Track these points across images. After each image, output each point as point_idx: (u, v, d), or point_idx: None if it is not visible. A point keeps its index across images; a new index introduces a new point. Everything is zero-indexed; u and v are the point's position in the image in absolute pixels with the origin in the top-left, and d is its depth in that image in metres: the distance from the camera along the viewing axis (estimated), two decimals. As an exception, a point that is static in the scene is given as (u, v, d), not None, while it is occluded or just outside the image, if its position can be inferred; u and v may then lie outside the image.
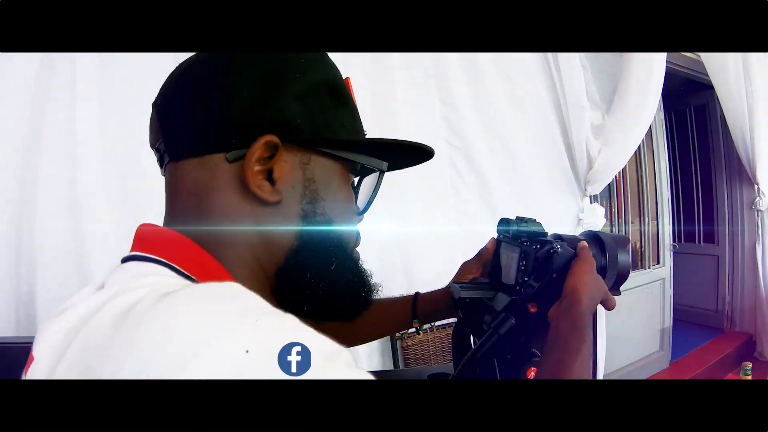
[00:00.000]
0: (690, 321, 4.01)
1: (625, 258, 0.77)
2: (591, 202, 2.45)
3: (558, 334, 0.65)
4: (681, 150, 4.15)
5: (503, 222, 0.83)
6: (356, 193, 0.57)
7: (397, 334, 1.84)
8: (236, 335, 0.32)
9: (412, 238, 1.91)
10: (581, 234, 0.81)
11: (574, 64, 2.25)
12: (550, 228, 0.81)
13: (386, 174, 1.67)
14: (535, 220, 0.81)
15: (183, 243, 0.47)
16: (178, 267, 0.44)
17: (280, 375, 0.32)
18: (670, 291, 3.28)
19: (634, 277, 3.09)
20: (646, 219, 3.25)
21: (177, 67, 0.51)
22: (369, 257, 1.57)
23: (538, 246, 0.74)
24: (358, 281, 0.55)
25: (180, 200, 0.49)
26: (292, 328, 0.36)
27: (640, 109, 2.31)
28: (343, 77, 0.55)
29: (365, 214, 0.58)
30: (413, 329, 0.95)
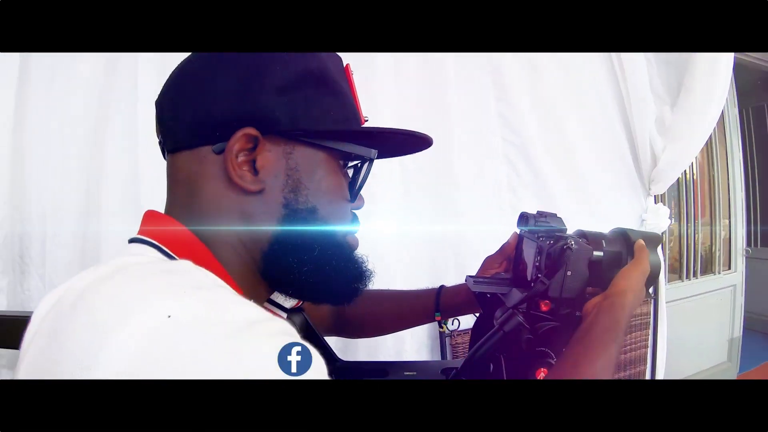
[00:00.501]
0: (764, 331, 3.77)
1: (654, 258, 0.74)
2: (656, 202, 2.34)
3: (592, 327, 0.64)
4: (759, 148, 3.90)
5: (522, 217, 0.82)
6: (356, 180, 0.58)
7: (446, 331, 1.82)
8: (162, 303, 0.36)
9: (465, 236, 1.88)
10: (610, 231, 0.78)
11: (637, 56, 2.14)
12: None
13: (437, 170, 1.66)
14: (555, 215, 0.79)
15: (174, 228, 0.51)
16: (166, 249, 0.49)
17: (199, 341, 0.35)
18: (741, 299, 3.08)
19: (703, 283, 2.93)
20: (718, 221, 3.07)
21: (175, 67, 0.55)
22: (420, 254, 1.57)
23: (552, 242, 0.73)
24: (345, 267, 0.57)
25: (175, 189, 0.53)
26: (218, 300, 0.39)
27: (707, 104, 2.17)
28: (343, 65, 0.58)
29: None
30: (436, 322, 0.95)
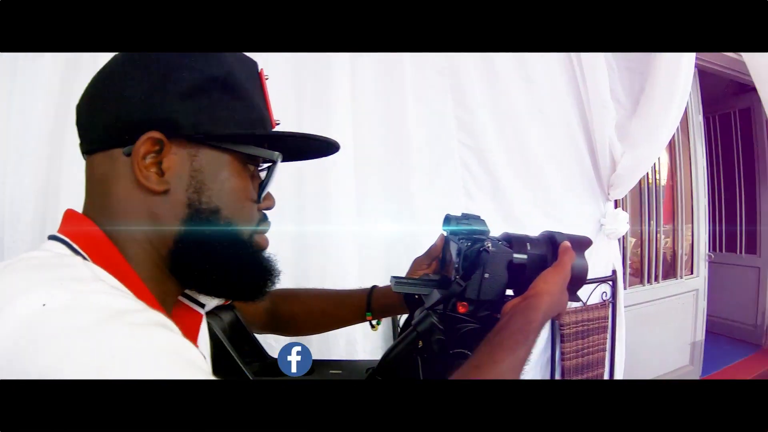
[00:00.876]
0: (727, 335, 3.83)
1: (580, 262, 0.74)
2: (616, 207, 2.36)
3: (503, 329, 0.64)
4: (725, 155, 3.96)
5: (447, 218, 0.82)
6: (266, 181, 0.60)
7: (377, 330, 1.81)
8: (39, 292, 0.40)
9: (419, 239, 1.88)
10: (539, 234, 0.78)
11: (598, 62, 2.16)
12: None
13: (393, 173, 1.66)
14: (478, 217, 0.80)
15: (86, 226, 0.54)
16: (76, 246, 0.51)
17: (70, 328, 0.38)
18: (703, 303, 3.12)
19: (666, 287, 2.97)
20: (681, 227, 3.11)
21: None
22: (375, 256, 1.57)
23: (470, 244, 0.73)
24: (250, 266, 0.59)
25: (91, 189, 0.56)
26: (92, 291, 0.43)
27: (667, 110, 2.20)
28: (258, 69, 0.61)
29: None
30: (368, 322, 0.96)
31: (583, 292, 2.25)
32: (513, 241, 0.75)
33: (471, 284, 0.71)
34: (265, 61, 1.55)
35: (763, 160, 3.68)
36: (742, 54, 2.97)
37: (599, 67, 2.17)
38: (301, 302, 0.99)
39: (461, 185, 1.99)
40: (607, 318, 2.33)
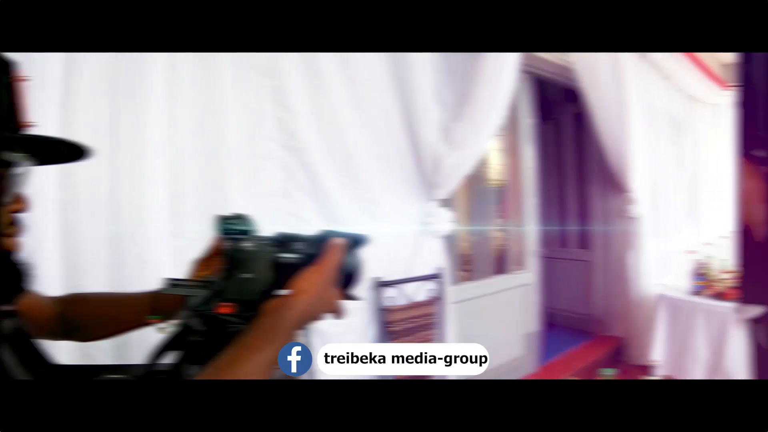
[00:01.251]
0: (564, 325, 4.15)
1: (351, 259, 0.74)
2: (441, 207, 2.44)
3: (252, 329, 0.64)
4: (560, 157, 4.28)
5: (218, 219, 0.80)
6: (11, 184, 0.60)
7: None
8: None
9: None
10: (317, 233, 0.77)
11: (423, 65, 2.24)
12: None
13: (208, 175, 1.59)
14: (245, 216, 0.78)
15: None
16: None
17: None
18: (535, 296, 3.35)
19: (498, 282, 3.15)
20: (511, 224, 3.30)
21: None
22: (191, 257, 1.47)
23: (231, 243, 0.72)
24: None
25: None
26: None
27: (489, 113, 2.33)
28: (13, 70, 0.59)
29: None
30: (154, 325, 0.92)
31: (411, 289, 2.32)
32: (283, 241, 0.74)
33: (231, 284, 0.70)
34: (80, 60, 1.43)
35: (594, 161, 4.01)
36: (573, 63, 3.23)
37: (424, 69, 2.24)
38: (87, 307, 0.95)
39: (281, 186, 1.96)
40: (435, 314, 2.41)
